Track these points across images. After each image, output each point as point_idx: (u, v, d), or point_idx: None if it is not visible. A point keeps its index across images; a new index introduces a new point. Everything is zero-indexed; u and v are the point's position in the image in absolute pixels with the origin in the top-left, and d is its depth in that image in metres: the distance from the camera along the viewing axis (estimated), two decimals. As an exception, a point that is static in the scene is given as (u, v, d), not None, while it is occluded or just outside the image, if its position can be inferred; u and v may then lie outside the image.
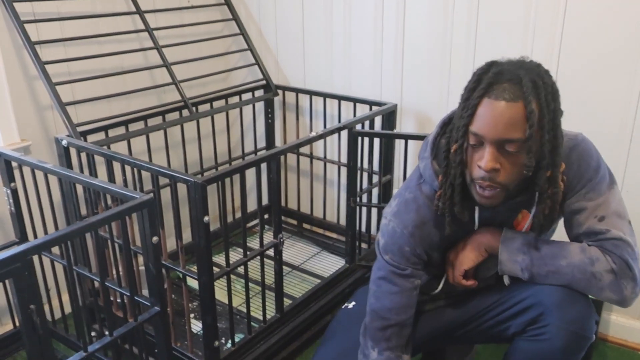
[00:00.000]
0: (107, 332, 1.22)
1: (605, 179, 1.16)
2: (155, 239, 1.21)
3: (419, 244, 1.23)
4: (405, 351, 1.29)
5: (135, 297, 1.27)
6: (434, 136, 1.21)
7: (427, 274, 1.39)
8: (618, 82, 1.61)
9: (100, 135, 1.76)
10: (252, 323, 1.62)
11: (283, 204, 2.45)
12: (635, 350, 1.80)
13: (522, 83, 1.02)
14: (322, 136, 1.68)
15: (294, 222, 2.45)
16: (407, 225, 1.23)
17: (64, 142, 1.58)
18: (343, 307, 1.54)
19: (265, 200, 2.39)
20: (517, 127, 1.01)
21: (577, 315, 1.16)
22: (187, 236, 1.91)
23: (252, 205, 2.48)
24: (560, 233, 1.27)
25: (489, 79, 1.04)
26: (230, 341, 1.56)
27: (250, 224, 2.47)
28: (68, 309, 1.85)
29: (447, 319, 1.39)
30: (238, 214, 2.46)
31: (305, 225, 2.43)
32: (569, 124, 1.75)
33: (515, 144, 1.03)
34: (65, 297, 1.70)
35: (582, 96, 1.67)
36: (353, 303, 1.52)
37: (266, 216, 2.43)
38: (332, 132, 1.73)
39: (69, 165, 1.62)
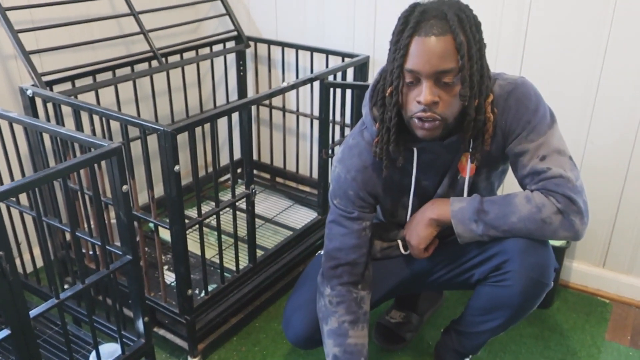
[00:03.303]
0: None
1: (545, 119, 1.19)
2: (125, 187, 1.20)
3: (362, 187, 1.29)
4: (359, 288, 1.34)
5: (107, 247, 1.27)
6: (374, 83, 1.23)
7: (390, 224, 1.42)
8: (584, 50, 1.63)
9: (67, 86, 1.71)
10: (225, 274, 1.64)
11: (256, 158, 2.45)
12: (595, 295, 1.88)
13: (447, 18, 1.07)
14: (294, 86, 1.66)
15: (267, 176, 2.46)
16: (350, 170, 1.29)
17: (29, 92, 1.53)
18: (317, 254, 1.58)
19: (237, 155, 2.38)
20: (449, 58, 1.06)
21: (537, 262, 1.21)
22: (159, 191, 1.90)
23: (224, 160, 2.47)
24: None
25: (416, 18, 1.08)
26: (204, 291, 1.58)
27: (222, 179, 2.46)
28: (40, 263, 1.85)
29: (415, 266, 1.43)
30: (211, 169, 2.45)
31: (279, 179, 2.43)
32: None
33: (450, 74, 1.07)
34: (37, 251, 1.69)
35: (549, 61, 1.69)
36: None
37: (239, 170, 2.43)
38: (304, 82, 1.72)
39: (35, 117, 1.58)
